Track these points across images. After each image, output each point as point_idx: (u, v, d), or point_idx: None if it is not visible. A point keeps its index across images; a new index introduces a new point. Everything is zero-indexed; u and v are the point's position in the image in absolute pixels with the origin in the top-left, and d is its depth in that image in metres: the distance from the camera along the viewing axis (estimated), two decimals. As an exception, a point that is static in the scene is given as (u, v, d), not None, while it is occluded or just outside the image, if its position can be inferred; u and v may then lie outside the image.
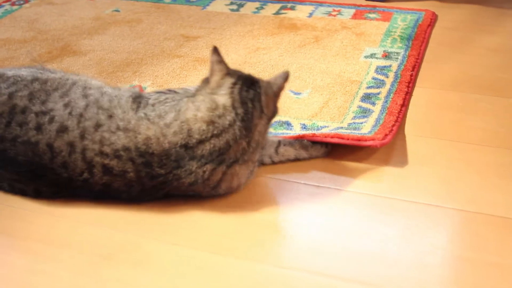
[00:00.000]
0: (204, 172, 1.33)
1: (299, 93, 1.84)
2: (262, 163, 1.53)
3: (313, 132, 1.61)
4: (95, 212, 1.42)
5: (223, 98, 1.35)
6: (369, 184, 1.48)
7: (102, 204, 1.43)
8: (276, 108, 1.44)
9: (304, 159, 1.56)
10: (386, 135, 1.56)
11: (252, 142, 1.37)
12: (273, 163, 1.54)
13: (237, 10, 2.52)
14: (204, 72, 1.98)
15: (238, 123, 1.33)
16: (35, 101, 1.42)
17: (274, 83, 1.42)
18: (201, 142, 1.33)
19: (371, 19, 2.34)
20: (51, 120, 1.38)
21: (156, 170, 1.33)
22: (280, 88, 1.42)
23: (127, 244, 1.33)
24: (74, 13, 2.60)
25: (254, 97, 1.37)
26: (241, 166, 1.38)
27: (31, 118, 1.39)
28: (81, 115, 1.38)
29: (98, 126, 1.36)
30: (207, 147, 1.32)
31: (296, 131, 1.64)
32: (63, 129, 1.37)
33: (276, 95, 1.43)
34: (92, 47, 2.26)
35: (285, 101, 1.80)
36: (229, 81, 1.39)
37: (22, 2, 2.76)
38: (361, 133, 1.57)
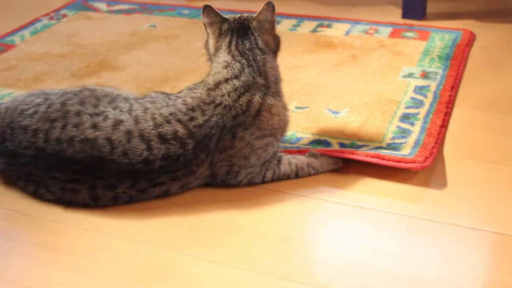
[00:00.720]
0: (241, 104, 1.46)
1: (337, 112, 1.83)
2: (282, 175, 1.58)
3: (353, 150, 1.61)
4: (134, 227, 1.44)
5: (224, 57, 1.51)
6: (408, 206, 1.47)
7: (141, 219, 1.45)
8: (277, 37, 1.57)
9: (316, 166, 1.58)
10: (426, 158, 1.55)
11: (269, 77, 1.51)
12: (290, 164, 1.57)
13: (274, 27, 2.52)
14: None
15: (246, 69, 1.48)
16: (87, 105, 1.51)
17: (264, 20, 1.53)
18: (223, 81, 1.49)
19: (409, 38, 2.33)
20: (106, 118, 1.48)
21: (200, 119, 1.44)
22: (271, 22, 1.54)
23: (166, 261, 1.33)
24: (111, 28, 2.62)
25: (251, 44, 1.51)
26: (273, 97, 1.50)
27: (86, 119, 1.48)
28: (130, 109, 1.49)
29: (146, 109, 1.48)
30: (229, 85, 1.47)
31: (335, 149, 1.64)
32: (118, 123, 1.46)
33: (270, 30, 1.55)
34: (130, 62, 2.28)
35: (323, 120, 1.79)
36: (224, 42, 1.53)
37: (60, 16, 2.79)
38: (401, 154, 1.56)
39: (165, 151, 1.43)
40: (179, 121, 1.45)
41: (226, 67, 1.50)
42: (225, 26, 1.53)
